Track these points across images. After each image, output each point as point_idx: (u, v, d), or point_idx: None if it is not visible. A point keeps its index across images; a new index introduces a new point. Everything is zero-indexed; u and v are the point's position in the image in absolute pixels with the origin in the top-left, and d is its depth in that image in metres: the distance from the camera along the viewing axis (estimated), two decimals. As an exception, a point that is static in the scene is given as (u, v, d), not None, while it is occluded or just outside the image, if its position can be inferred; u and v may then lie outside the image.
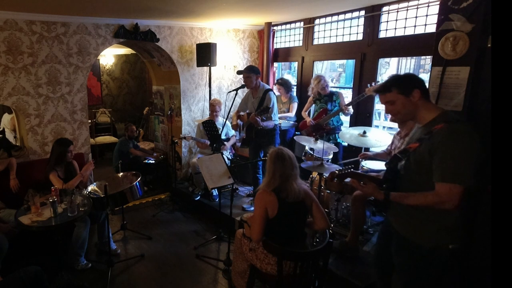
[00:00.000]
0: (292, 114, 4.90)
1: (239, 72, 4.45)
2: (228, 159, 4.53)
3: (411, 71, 7.21)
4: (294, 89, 5.26)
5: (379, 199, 1.81)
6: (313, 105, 4.39)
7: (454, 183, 1.60)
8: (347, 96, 5.05)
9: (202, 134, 4.69)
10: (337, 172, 1.96)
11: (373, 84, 3.68)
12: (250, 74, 3.89)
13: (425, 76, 6.54)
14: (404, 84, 1.78)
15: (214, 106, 4.68)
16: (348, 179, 2.05)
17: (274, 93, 4.05)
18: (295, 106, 4.89)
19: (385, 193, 1.79)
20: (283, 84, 4.86)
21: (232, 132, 4.80)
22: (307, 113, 4.51)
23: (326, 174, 3.37)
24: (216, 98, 4.95)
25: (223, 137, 4.48)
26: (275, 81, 5.08)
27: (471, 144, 1.60)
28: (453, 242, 1.75)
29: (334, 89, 4.29)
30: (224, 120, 4.12)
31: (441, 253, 1.77)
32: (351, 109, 3.99)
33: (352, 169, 1.94)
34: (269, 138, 3.94)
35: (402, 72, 7.68)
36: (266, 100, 3.84)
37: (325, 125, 4.10)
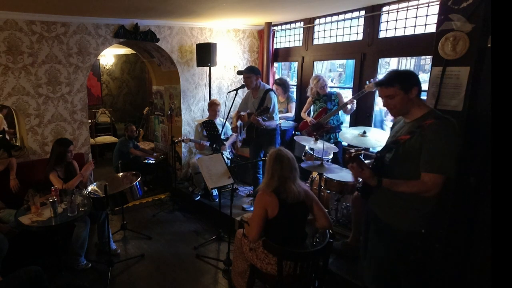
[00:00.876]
0: (292, 114, 4.91)
1: (239, 73, 4.45)
2: (228, 158, 4.53)
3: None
4: (294, 89, 5.27)
5: (372, 185, 1.95)
6: (313, 105, 4.39)
7: (439, 174, 1.79)
8: (347, 96, 5.05)
9: (201, 135, 4.70)
10: (352, 153, 2.06)
11: (371, 80, 3.67)
12: (250, 74, 3.89)
13: (425, 76, 6.54)
14: (406, 81, 1.90)
15: (216, 105, 4.67)
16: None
17: (275, 93, 4.05)
18: (293, 106, 4.91)
19: (378, 179, 1.92)
20: (281, 84, 4.88)
21: (231, 131, 4.81)
22: (306, 114, 4.51)
23: (326, 174, 3.37)
24: (215, 98, 4.95)
25: (222, 137, 4.49)
26: (274, 81, 5.09)
27: (455, 139, 1.81)
28: (425, 227, 1.98)
29: (333, 89, 4.29)
30: (224, 120, 4.12)
31: (415, 237, 2.01)
32: (354, 105, 3.96)
33: (363, 153, 2.06)
34: (269, 138, 3.94)
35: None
36: (266, 100, 3.84)
37: (326, 123, 4.09)
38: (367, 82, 3.69)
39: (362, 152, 2.03)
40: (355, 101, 3.89)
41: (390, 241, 2.03)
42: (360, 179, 2.25)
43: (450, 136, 1.79)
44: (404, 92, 1.89)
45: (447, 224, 2.37)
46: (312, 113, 4.42)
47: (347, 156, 2.07)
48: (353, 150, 2.05)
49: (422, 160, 1.83)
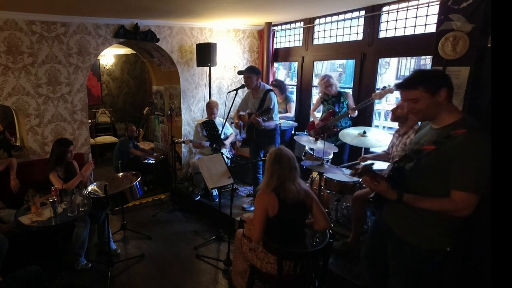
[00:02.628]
0: (291, 114, 4.90)
1: (240, 73, 4.45)
2: (228, 158, 4.53)
3: (411, 71, 7.18)
4: (294, 90, 5.26)
5: (390, 199, 1.72)
6: (321, 105, 4.33)
7: (473, 193, 1.56)
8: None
9: (200, 135, 4.70)
10: (359, 169, 1.83)
11: (380, 89, 3.61)
12: (251, 74, 3.89)
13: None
14: (431, 82, 1.65)
15: (212, 109, 4.66)
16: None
17: (275, 93, 4.05)
18: (292, 106, 4.90)
19: (399, 193, 1.68)
20: (277, 85, 4.87)
21: (231, 131, 4.80)
22: (315, 112, 4.47)
23: (326, 174, 3.37)
24: (213, 99, 4.94)
25: (221, 137, 4.48)
26: (270, 82, 5.08)
27: (489, 154, 1.52)
28: (451, 244, 1.75)
29: (342, 90, 4.17)
30: (224, 120, 4.12)
31: (439, 255, 1.77)
32: (355, 113, 3.94)
33: (372, 166, 1.80)
34: (269, 138, 3.94)
35: (404, 72, 7.63)
36: (266, 101, 3.84)
37: (333, 127, 4.05)
38: (376, 90, 3.66)
39: (371, 165, 1.77)
40: (355, 112, 3.86)
41: (411, 261, 1.80)
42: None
43: (485, 151, 1.52)
44: (431, 95, 1.64)
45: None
46: (321, 113, 4.36)
47: (353, 171, 1.84)
48: (359, 166, 1.79)
49: (452, 176, 1.59)
